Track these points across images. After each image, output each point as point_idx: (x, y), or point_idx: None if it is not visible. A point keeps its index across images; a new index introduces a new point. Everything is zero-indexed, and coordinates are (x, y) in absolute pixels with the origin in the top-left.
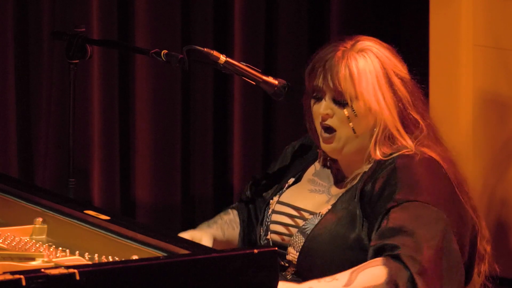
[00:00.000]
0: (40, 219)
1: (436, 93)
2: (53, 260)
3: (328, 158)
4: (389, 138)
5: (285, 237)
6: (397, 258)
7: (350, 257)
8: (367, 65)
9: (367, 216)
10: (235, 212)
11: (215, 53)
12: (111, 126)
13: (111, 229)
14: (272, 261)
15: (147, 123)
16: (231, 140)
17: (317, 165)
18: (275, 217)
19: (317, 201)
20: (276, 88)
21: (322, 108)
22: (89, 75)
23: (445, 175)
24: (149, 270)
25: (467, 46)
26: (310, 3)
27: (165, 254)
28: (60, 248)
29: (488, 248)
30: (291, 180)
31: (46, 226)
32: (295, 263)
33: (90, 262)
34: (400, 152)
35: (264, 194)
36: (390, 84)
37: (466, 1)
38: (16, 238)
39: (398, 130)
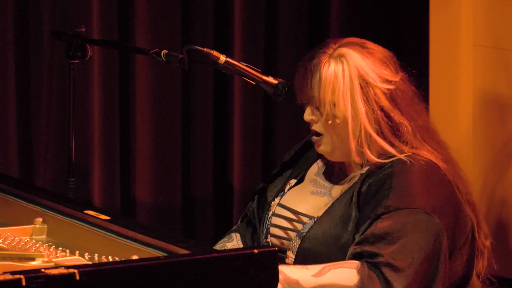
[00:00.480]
0: (40, 219)
1: (436, 93)
2: (53, 260)
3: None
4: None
5: (284, 241)
6: (374, 266)
7: (343, 258)
8: (340, 72)
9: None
10: (238, 236)
11: (215, 53)
12: (111, 126)
13: (111, 229)
14: (272, 261)
15: (147, 123)
16: (231, 140)
17: (319, 163)
18: (274, 220)
19: (317, 205)
20: (276, 88)
21: (305, 115)
22: (89, 75)
23: (443, 178)
24: (149, 270)
25: (467, 46)
26: (310, 3)
27: (165, 254)
28: (60, 248)
29: (488, 243)
30: (293, 181)
31: (46, 226)
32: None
33: (90, 262)
34: (398, 156)
35: (270, 185)
36: (364, 90)
37: (466, 1)
38: (16, 238)
39: (376, 135)
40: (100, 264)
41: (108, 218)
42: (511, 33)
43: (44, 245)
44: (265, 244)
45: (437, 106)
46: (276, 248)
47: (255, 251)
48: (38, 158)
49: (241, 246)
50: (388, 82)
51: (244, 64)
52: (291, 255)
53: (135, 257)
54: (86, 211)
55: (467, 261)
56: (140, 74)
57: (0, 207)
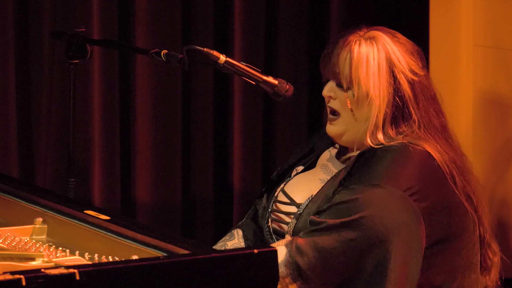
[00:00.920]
0: (40, 219)
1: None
2: (53, 260)
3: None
4: (383, 128)
5: (283, 225)
6: (307, 235)
7: None
8: (371, 52)
9: None
10: (240, 233)
11: (215, 53)
12: (111, 126)
13: (111, 229)
14: (272, 261)
15: (147, 123)
16: (231, 140)
17: (332, 151)
18: (276, 205)
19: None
20: (276, 88)
21: (325, 90)
22: (89, 75)
23: (435, 168)
24: (149, 270)
25: (467, 46)
26: (310, 3)
27: (165, 254)
28: (60, 248)
29: (496, 259)
30: (300, 168)
31: (46, 226)
32: None
33: (90, 262)
34: (391, 143)
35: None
36: (391, 75)
37: (466, 1)
38: (16, 238)
39: (382, 120)
40: (100, 264)
41: (108, 218)
42: (511, 33)
43: (44, 245)
44: (267, 229)
45: None
46: (276, 248)
47: (255, 251)
48: (38, 158)
49: (242, 244)
50: (414, 73)
51: (244, 64)
52: (289, 238)
53: (135, 257)
54: (86, 211)
55: (467, 260)
56: (140, 74)
57: (0, 207)
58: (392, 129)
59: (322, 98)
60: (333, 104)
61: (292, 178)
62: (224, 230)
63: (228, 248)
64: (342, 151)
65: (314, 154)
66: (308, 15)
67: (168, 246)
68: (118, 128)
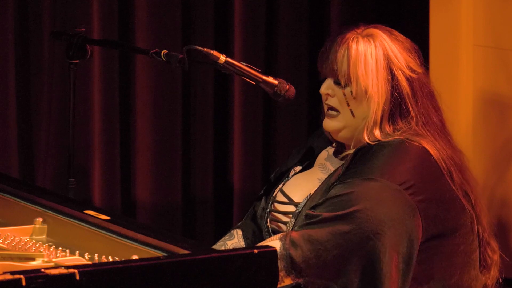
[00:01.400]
0: (40, 219)
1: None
2: (53, 260)
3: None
4: (380, 125)
5: (281, 225)
6: (302, 227)
7: None
8: (369, 50)
9: None
10: (240, 233)
11: (215, 53)
12: (111, 126)
13: (111, 229)
14: (272, 261)
15: (148, 123)
16: (231, 140)
17: (330, 150)
18: (274, 205)
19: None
20: (276, 88)
21: (323, 87)
22: (89, 75)
23: (431, 163)
24: (149, 270)
25: (467, 46)
26: (310, 3)
27: (165, 254)
28: (60, 248)
29: (495, 257)
30: (298, 168)
31: (46, 226)
32: None
33: (90, 262)
34: (388, 139)
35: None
36: (389, 72)
37: (466, 1)
38: (16, 238)
39: (387, 116)
40: (100, 264)
41: (108, 218)
42: (511, 33)
43: (44, 245)
44: (266, 229)
45: None
46: (276, 248)
47: (255, 251)
48: (38, 158)
49: (242, 243)
50: (412, 70)
51: (244, 64)
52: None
53: (135, 257)
54: (86, 211)
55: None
56: (140, 74)
57: (0, 207)
58: (389, 126)
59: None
60: (331, 102)
61: (290, 178)
62: (224, 230)
63: (228, 247)
64: (339, 150)
65: (312, 154)
66: (308, 15)
67: (168, 246)
68: (118, 128)
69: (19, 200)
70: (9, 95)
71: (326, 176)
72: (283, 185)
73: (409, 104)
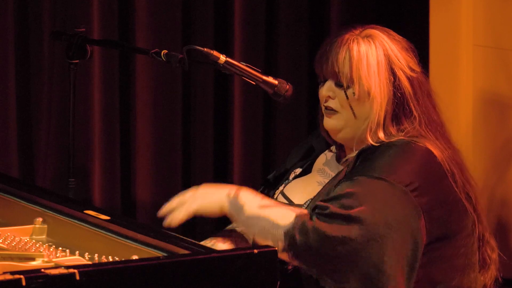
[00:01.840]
0: (40, 219)
1: (436, 93)
2: (53, 260)
3: (336, 147)
4: (384, 125)
5: None
6: (317, 215)
7: None
8: (370, 50)
9: None
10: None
11: (215, 53)
12: (111, 126)
13: (111, 229)
14: (272, 261)
15: (148, 123)
16: (231, 140)
17: (328, 155)
18: None
19: None
20: (276, 88)
21: (324, 89)
22: (89, 75)
23: (436, 165)
24: (149, 270)
25: (467, 46)
26: (310, 3)
27: (165, 254)
28: (60, 248)
29: (494, 256)
30: (298, 170)
31: (46, 226)
32: None
33: (90, 262)
34: (396, 139)
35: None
36: (391, 72)
37: (466, 1)
38: (16, 238)
39: (383, 118)
40: (100, 264)
41: (108, 218)
42: (511, 33)
43: (44, 245)
44: None
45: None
46: (276, 248)
47: (255, 251)
48: (38, 158)
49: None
50: (411, 69)
51: (244, 64)
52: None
53: (135, 257)
54: (86, 211)
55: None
56: (140, 74)
57: (0, 207)
58: (393, 126)
59: None
60: (332, 104)
61: (291, 181)
62: None
63: (237, 233)
64: (338, 154)
65: (312, 153)
66: (308, 15)
67: (168, 246)
68: (118, 128)
69: (19, 200)
70: (9, 95)
71: (325, 179)
72: (284, 187)
73: (411, 104)
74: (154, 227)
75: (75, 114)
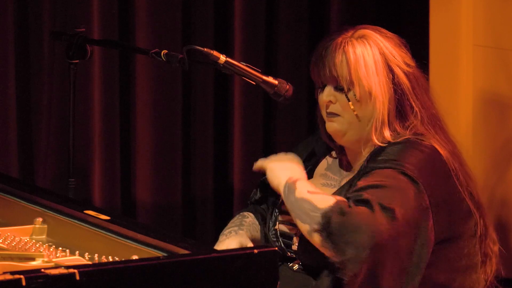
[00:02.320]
0: (40, 219)
1: (436, 93)
2: (53, 260)
3: (337, 151)
4: (389, 124)
5: (290, 226)
6: (363, 202)
7: None
8: (365, 51)
9: None
10: (252, 215)
11: (215, 53)
12: (111, 126)
13: (111, 229)
14: (272, 261)
15: (148, 123)
16: (231, 140)
17: (329, 160)
18: (284, 207)
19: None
20: (276, 88)
21: (324, 95)
22: (89, 75)
23: (443, 165)
24: (149, 270)
25: (467, 46)
26: (310, 3)
27: (165, 254)
28: (60, 248)
29: (495, 249)
30: None
31: (46, 226)
32: (296, 249)
33: (90, 262)
34: (404, 137)
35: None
36: (389, 70)
37: (466, 1)
38: (16, 238)
39: (387, 116)
40: (100, 264)
41: (108, 218)
42: (511, 33)
43: (44, 245)
44: (273, 232)
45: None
46: (276, 248)
47: (255, 251)
48: (38, 158)
49: (257, 223)
50: (407, 65)
51: (244, 64)
52: (295, 240)
53: (135, 257)
54: (86, 211)
55: (468, 259)
56: (140, 74)
57: (0, 207)
58: (399, 124)
59: None
60: (333, 109)
61: None
62: None
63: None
64: (340, 159)
65: (312, 160)
66: (308, 15)
67: (168, 246)
68: (118, 128)
69: (19, 200)
70: (9, 95)
71: (329, 182)
72: None
73: (411, 99)
74: (154, 227)
75: (75, 114)
